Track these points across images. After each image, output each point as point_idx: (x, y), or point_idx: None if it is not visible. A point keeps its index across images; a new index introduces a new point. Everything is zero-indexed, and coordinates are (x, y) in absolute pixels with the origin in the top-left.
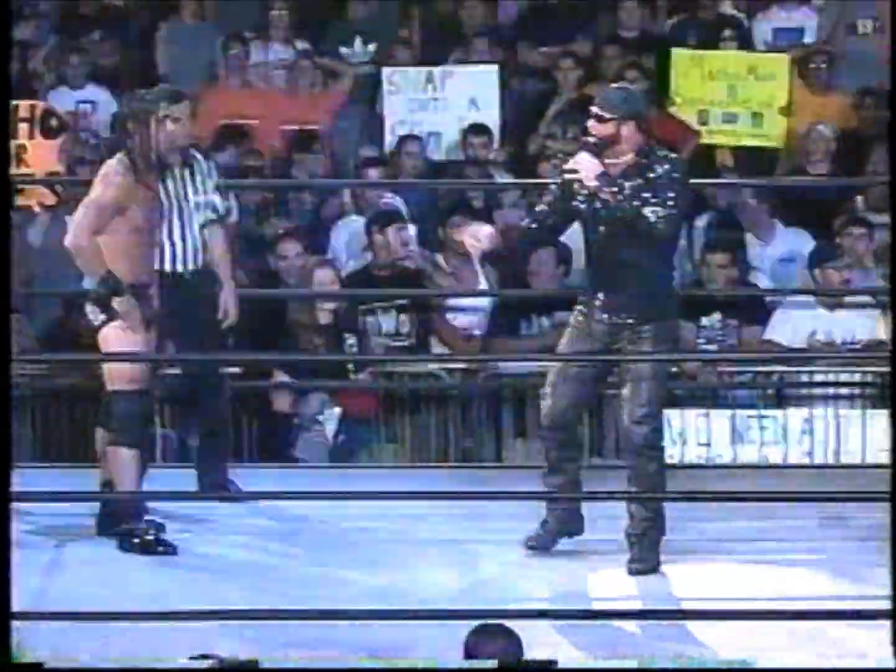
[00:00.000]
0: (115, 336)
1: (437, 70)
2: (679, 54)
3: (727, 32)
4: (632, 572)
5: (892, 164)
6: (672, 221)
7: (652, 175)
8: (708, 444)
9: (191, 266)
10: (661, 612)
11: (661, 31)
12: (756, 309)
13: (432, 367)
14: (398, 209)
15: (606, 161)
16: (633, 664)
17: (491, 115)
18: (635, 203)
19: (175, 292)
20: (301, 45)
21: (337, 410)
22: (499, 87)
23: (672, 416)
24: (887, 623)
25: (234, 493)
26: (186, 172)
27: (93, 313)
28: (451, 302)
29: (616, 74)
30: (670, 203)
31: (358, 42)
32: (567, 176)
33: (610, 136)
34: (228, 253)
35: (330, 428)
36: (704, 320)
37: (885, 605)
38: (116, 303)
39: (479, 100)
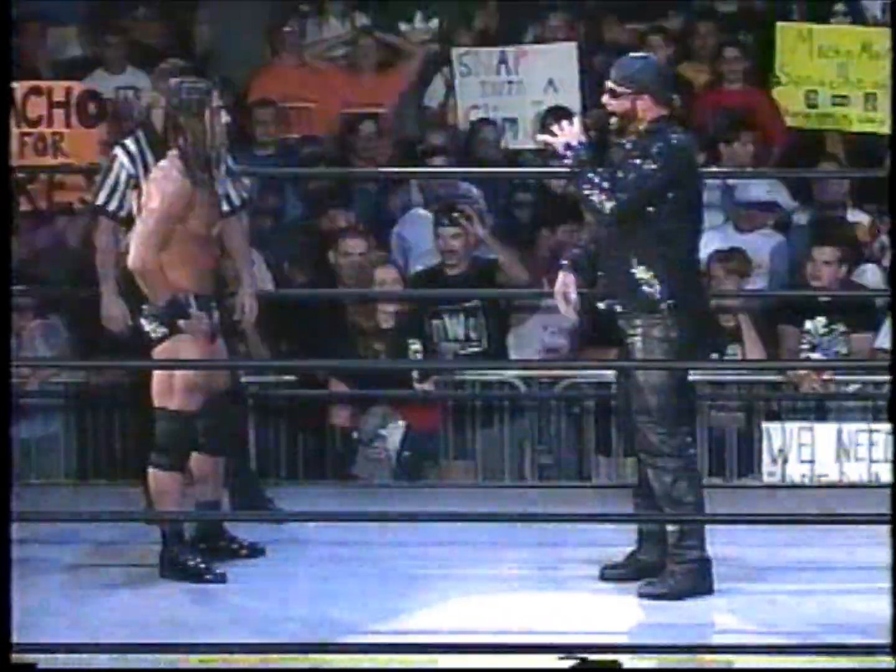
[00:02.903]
0: (180, 352)
1: (510, 50)
2: (785, 29)
3: (838, 6)
4: (640, 595)
5: (892, 163)
6: (628, 206)
7: (627, 154)
8: (811, 462)
9: None
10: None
11: (762, 5)
12: (867, 313)
13: (507, 375)
14: (464, 198)
15: (623, 137)
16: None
17: (571, 98)
18: (584, 185)
19: None
20: (361, 20)
21: (401, 424)
22: (579, 66)
23: (772, 430)
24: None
25: (277, 515)
26: None
27: (150, 326)
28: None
29: (712, 52)
30: (626, 186)
31: (419, 17)
32: (541, 138)
33: (625, 111)
34: (246, 247)
35: (393, 443)
36: (808, 324)
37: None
38: (182, 321)
39: (557, 81)
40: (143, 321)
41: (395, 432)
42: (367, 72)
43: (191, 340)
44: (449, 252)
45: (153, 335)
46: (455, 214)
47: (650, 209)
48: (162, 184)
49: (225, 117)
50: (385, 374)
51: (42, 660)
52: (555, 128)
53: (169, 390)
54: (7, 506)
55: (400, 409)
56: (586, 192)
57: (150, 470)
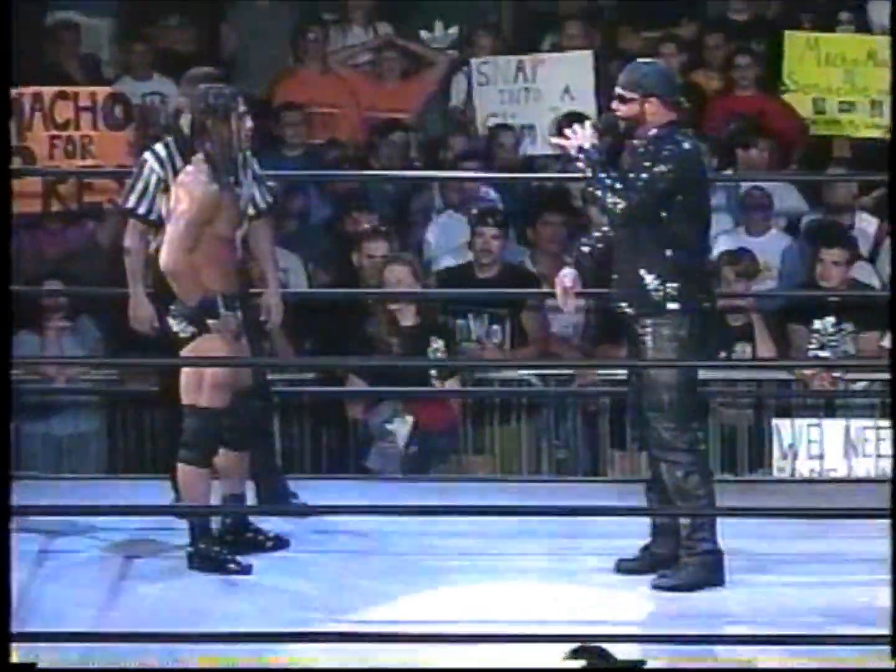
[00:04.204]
0: (208, 351)
1: (527, 58)
2: (793, 38)
3: (844, 15)
4: (654, 587)
5: (892, 163)
6: (639, 207)
7: (638, 157)
8: (820, 457)
9: None
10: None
11: (772, 14)
12: (875, 312)
13: (524, 373)
14: (496, 207)
15: (634, 141)
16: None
17: (586, 105)
18: (596, 187)
19: None
20: (383, 28)
21: (409, 419)
22: (595, 73)
23: (782, 427)
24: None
25: (301, 508)
26: None
27: (178, 325)
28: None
29: (724, 60)
30: (636, 188)
31: (439, 26)
32: (554, 141)
33: (634, 115)
34: (272, 249)
35: (401, 438)
36: (817, 324)
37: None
38: (211, 321)
39: (574, 88)
40: (171, 321)
41: (402, 427)
42: (390, 78)
43: (218, 339)
44: (485, 251)
45: (182, 335)
46: (498, 217)
47: (660, 211)
48: (190, 187)
49: (250, 122)
50: (399, 371)
51: (42, 660)
52: (567, 131)
53: (198, 387)
54: (7, 501)
55: (409, 405)
56: (598, 193)
57: (179, 465)
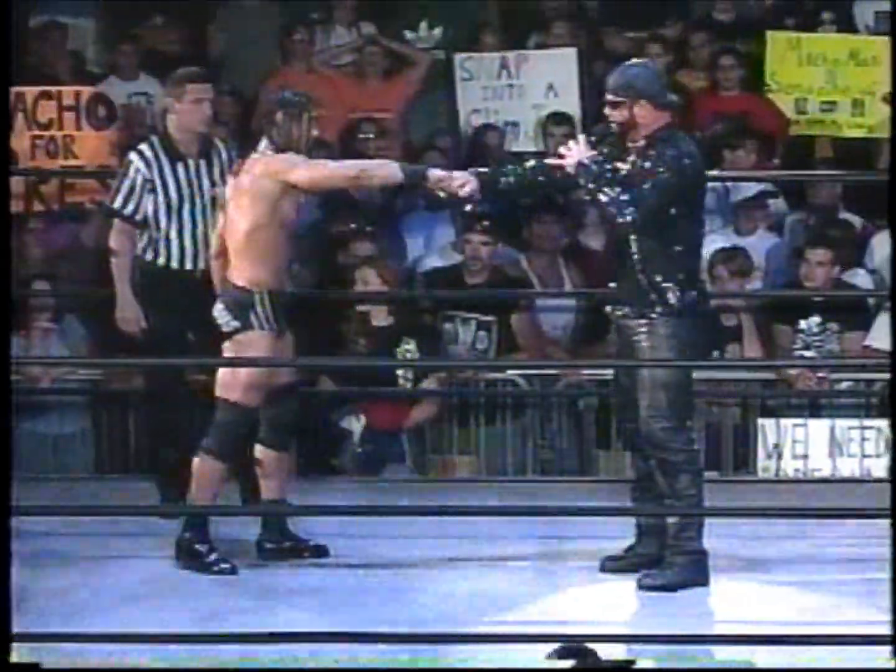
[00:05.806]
0: (250, 346)
1: (511, 55)
2: (775, 37)
3: (826, 16)
4: (640, 587)
5: (892, 163)
6: (646, 212)
7: (640, 164)
8: (805, 457)
9: (202, 265)
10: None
11: (757, 14)
12: (860, 312)
13: (510, 373)
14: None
15: (629, 145)
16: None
17: (570, 102)
18: (600, 195)
19: (178, 291)
20: (366, 28)
21: (361, 419)
22: (579, 72)
23: (767, 426)
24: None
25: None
26: (202, 162)
27: (223, 317)
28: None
29: (708, 60)
30: (644, 196)
31: (423, 26)
32: (550, 161)
33: (625, 119)
34: None
35: (356, 437)
36: (802, 323)
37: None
38: (254, 313)
39: (557, 86)
40: (216, 314)
41: (355, 427)
42: (373, 78)
43: (260, 335)
44: (474, 258)
45: (225, 328)
46: (486, 223)
47: (665, 215)
48: (279, 157)
49: (316, 131)
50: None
51: (46, 660)
52: (562, 149)
53: (232, 383)
54: (7, 499)
55: (361, 405)
56: (604, 201)
57: (199, 453)
